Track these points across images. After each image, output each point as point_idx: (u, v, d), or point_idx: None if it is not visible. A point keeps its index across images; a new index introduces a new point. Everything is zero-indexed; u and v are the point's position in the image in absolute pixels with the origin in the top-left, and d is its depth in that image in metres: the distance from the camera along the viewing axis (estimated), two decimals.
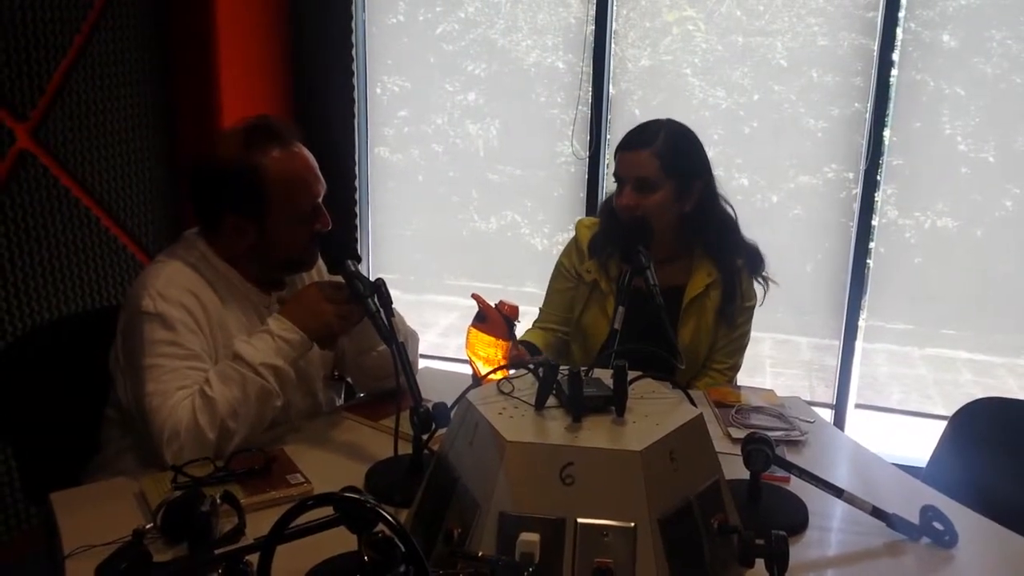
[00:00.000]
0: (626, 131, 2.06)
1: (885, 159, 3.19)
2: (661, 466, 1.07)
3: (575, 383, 1.13)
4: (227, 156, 1.62)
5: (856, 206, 3.26)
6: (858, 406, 3.38)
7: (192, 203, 1.68)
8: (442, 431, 1.38)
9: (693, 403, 1.24)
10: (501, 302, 1.61)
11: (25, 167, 2.52)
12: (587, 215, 3.43)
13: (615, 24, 3.41)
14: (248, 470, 1.45)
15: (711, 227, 2.06)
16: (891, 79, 3.13)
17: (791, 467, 1.34)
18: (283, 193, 1.61)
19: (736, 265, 2.07)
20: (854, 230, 3.26)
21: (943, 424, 1.86)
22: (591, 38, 3.43)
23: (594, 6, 3.39)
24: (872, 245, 3.26)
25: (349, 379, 1.95)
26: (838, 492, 1.32)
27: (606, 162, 3.49)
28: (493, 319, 1.55)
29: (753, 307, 2.13)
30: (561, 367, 1.17)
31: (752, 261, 2.10)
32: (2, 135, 2.44)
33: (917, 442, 3.36)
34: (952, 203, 3.20)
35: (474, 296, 1.64)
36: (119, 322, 1.63)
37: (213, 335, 1.61)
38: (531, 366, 1.26)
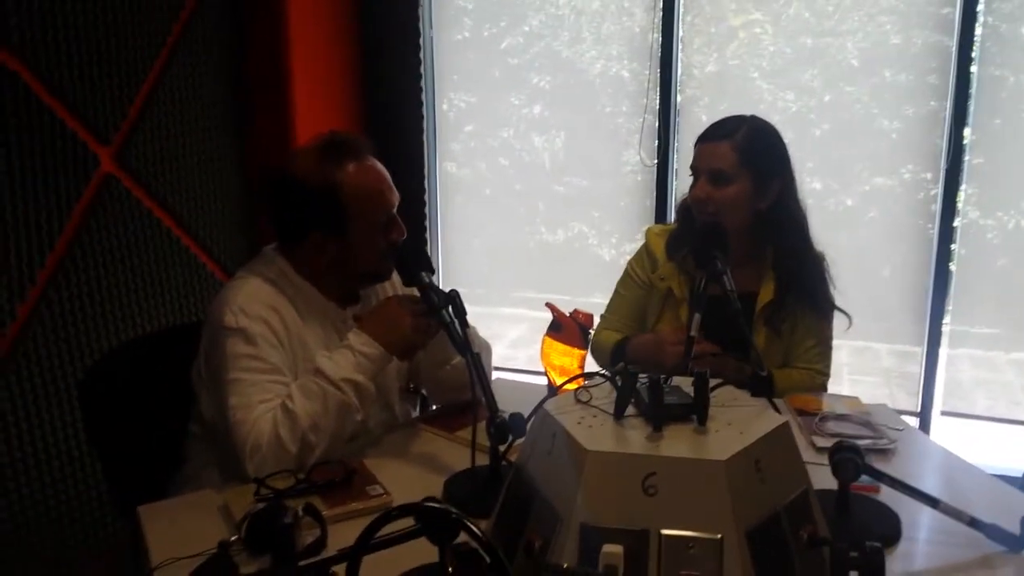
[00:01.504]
0: (694, 138, 2.04)
1: (966, 158, 3.09)
2: (747, 476, 1.05)
3: (655, 391, 1.11)
4: (304, 173, 1.65)
5: (936, 207, 3.16)
6: (943, 413, 3.25)
7: (271, 221, 1.72)
8: (519, 442, 1.38)
9: (777, 410, 1.20)
10: (576, 311, 1.60)
11: (109, 190, 2.60)
12: (656, 223, 3.41)
13: (680, 31, 3.38)
14: (329, 482, 1.46)
15: (784, 231, 2.00)
16: (970, 75, 3.02)
17: (882, 476, 1.29)
18: (360, 206, 1.65)
19: (798, 270, 2.01)
20: (935, 232, 3.16)
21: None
22: (656, 46, 3.40)
23: (659, 14, 3.37)
24: (954, 247, 3.15)
25: (424, 391, 1.97)
26: (933, 502, 1.26)
27: (675, 169, 3.45)
28: (568, 327, 1.54)
29: (830, 311, 2.06)
30: (640, 375, 1.16)
31: (815, 269, 2.04)
32: (88, 160, 2.53)
33: (1009, 449, 3.23)
34: None
35: (548, 305, 1.64)
36: (202, 338, 1.68)
37: (293, 350, 1.65)
38: (608, 375, 1.25)
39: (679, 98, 3.41)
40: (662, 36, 3.37)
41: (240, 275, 1.71)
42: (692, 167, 2.01)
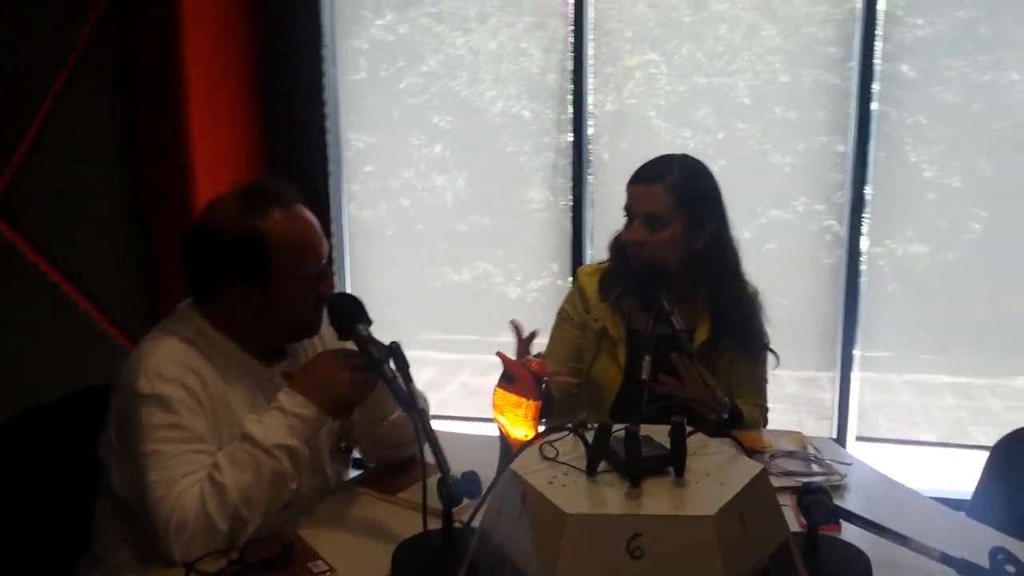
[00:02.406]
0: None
1: (854, 190, 3.23)
2: (733, 529, 1.01)
3: (632, 444, 1.06)
4: (225, 221, 1.52)
5: (830, 237, 3.29)
6: (858, 439, 3.36)
7: (188, 274, 1.58)
8: (471, 502, 1.30)
9: (747, 454, 1.18)
10: (527, 359, 1.54)
11: None
12: (578, 261, 3.42)
13: (576, 71, 3.41)
14: (265, 561, 1.34)
15: (718, 270, 2.01)
16: (870, 113, 3.18)
17: (851, 516, 1.28)
18: (287, 257, 1.53)
19: (734, 309, 2.02)
20: (837, 261, 3.29)
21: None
22: (557, 86, 3.43)
23: (566, 55, 3.40)
24: (863, 272, 3.27)
25: (357, 451, 1.84)
26: (903, 540, 1.26)
27: (590, 207, 3.46)
28: (521, 378, 1.48)
29: (765, 349, 2.07)
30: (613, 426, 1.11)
31: (749, 307, 2.06)
32: None
33: (933, 472, 3.34)
34: (922, 230, 3.24)
35: (499, 355, 1.57)
36: (111, 406, 1.52)
37: (216, 415, 1.51)
38: (573, 426, 1.19)
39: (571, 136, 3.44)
40: (573, 76, 3.39)
41: (153, 335, 1.56)
42: (626, 208, 1.98)
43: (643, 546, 0.98)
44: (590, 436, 1.13)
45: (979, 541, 1.33)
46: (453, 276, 3.69)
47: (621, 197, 2.02)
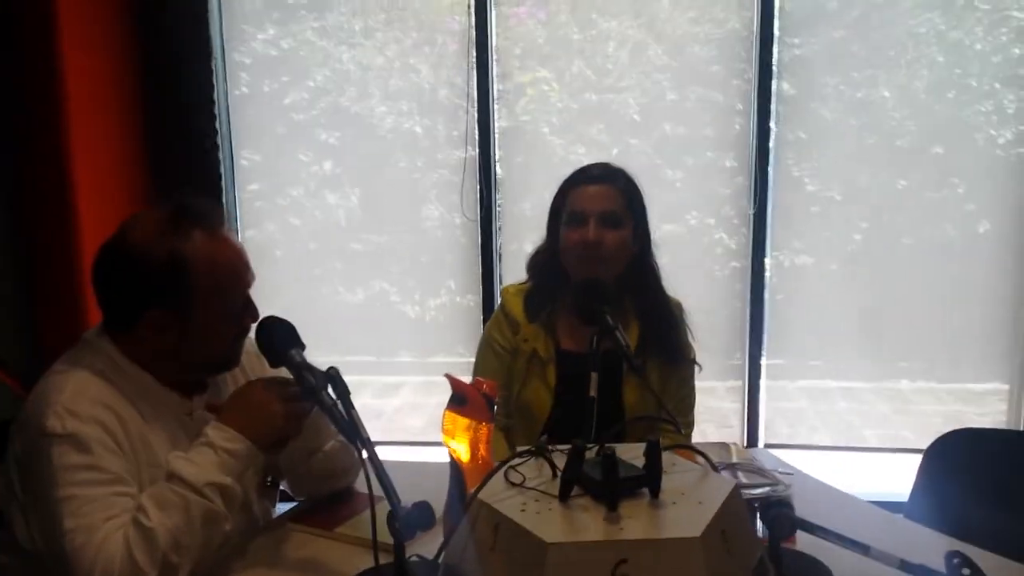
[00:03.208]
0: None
1: (769, 204, 3.32)
2: (717, 550, 0.97)
3: (609, 466, 1.00)
4: (144, 242, 1.38)
5: (719, 251, 3.37)
6: (766, 446, 3.43)
7: (100, 298, 1.43)
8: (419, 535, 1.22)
9: (715, 468, 1.14)
10: (478, 380, 1.46)
11: None
12: (488, 278, 3.37)
13: (469, 87, 3.38)
14: None
15: (646, 281, 1.99)
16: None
17: (815, 528, 1.25)
18: (211, 284, 1.39)
19: (662, 321, 2.02)
20: (722, 274, 3.36)
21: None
22: (449, 102, 3.39)
23: (449, 70, 3.37)
24: (767, 282, 3.36)
25: (283, 484, 1.70)
26: (865, 549, 1.24)
27: (497, 224, 3.42)
28: (473, 400, 1.40)
29: (693, 361, 2.08)
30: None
31: (677, 316, 2.06)
32: None
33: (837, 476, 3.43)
34: (807, 241, 3.36)
35: (448, 377, 1.48)
36: (10, 448, 1.35)
37: (135, 454, 1.36)
38: (539, 449, 1.13)
39: (473, 152, 3.40)
40: (479, 88, 3.34)
41: (60, 368, 1.39)
42: (576, 211, 1.91)
43: (629, 572, 0.93)
44: (556, 459, 1.07)
45: (925, 544, 1.34)
46: (348, 296, 3.57)
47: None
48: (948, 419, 2.21)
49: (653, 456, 1.03)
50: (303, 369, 1.41)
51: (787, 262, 3.38)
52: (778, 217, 3.34)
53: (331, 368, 1.41)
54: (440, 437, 1.45)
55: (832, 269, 3.37)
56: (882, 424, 3.50)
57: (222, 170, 3.33)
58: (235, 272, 1.44)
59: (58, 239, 2.81)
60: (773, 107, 3.25)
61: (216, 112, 3.29)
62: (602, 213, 1.89)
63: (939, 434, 1.89)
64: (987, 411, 3.44)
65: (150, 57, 3.22)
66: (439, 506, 1.35)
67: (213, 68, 3.27)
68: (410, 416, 3.56)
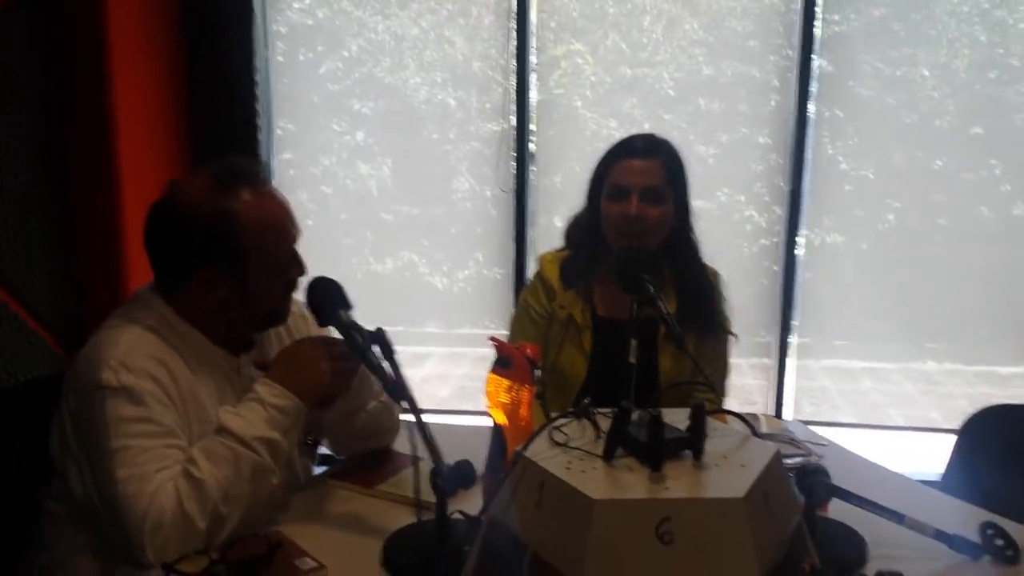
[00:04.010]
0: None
1: (792, 183, 3.30)
2: (761, 512, 0.99)
3: (655, 428, 1.02)
4: (193, 202, 1.42)
5: (748, 228, 3.36)
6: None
7: (152, 257, 1.48)
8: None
9: (756, 432, 1.16)
10: (522, 343, 1.49)
11: None
12: (521, 250, 3.37)
13: (506, 59, 3.37)
14: (251, 559, 1.22)
15: (686, 252, 2.01)
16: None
17: (850, 496, 1.27)
18: (259, 240, 1.43)
19: (700, 292, 2.03)
20: (750, 251, 3.35)
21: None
22: (483, 74, 3.39)
23: (484, 42, 3.36)
24: (799, 259, 3.33)
25: (325, 443, 1.75)
26: (899, 518, 1.26)
27: (530, 197, 3.41)
28: (518, 363, 1.43)
29: (728, 332, 2.08)
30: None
31: (714, 286, 2.07)
32: None
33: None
34: (838, 220, 3.34)
35: (493, 339, 1.51)
36: (66, 402, 1.40)
37: (185, 408, 1.41)
38: (583, 411, 1.16)
39: (506, 126, 3.40)
40: (517, 65, 3.33)
41: (113, 323, 1.44)
42: (619, 184, 1.92)
43: (672, 530, 0.95)
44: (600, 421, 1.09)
45: (959, 516, 1.36)
46: (377, 266, 3.61)
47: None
48: (974, 401, 2.20)
49: (698, 419, 1.05)
50: (351, 328, 1.44)
51: (817, 240, 3.36)
52: (810, 195, 3.32)
53: (378, 328, 1.44)
54: (466, 405, 1.48)
55: (863, 248, 3.34)
56: (908, 404, 3.50)
57: (261, 138, 3.36)
58: (282, 227, 1.48)
59: (100, 200, 2.85)
60: (812, 84, 3.22)
61: (256, 80, 3.31)
62: (645, 188, 1.90)
63: (966, 416, 1.89)
64: (1014, 394, 3.42)
65: (193, 23, 3.25)
66: (478, 466, 1.39)
67: (254, 36, 3.29)
68: (437, 386, 3.61)
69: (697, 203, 3.30)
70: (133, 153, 2.92)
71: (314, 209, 3.57)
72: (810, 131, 3.24)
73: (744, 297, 3.38)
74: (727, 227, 3.38)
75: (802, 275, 3.37)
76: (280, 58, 3.49)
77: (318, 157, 3.55)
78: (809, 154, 3.27)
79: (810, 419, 3.47)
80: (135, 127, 2.96)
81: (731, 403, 3.42)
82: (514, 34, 3.33)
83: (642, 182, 1.90)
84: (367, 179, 3.55)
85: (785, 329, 3.38)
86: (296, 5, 3.47)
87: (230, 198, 1.42)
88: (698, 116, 3.34)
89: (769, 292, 3.39)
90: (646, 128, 3.36)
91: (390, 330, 1.46)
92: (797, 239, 3.32)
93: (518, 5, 3.31)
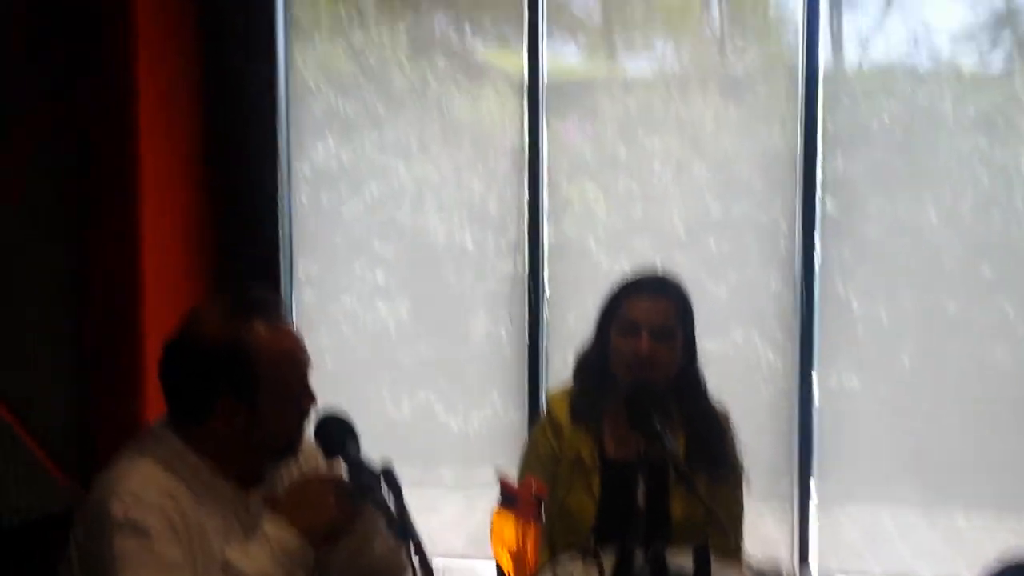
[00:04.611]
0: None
1: (787, 323, 3.32)
2: None
3: (659, 570, 1.01)
4: (209, 333, 1.48)
5: (765, 369, 3.35)
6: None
7: (167, 390, 1.52)
8: None
9: None
10: (528, 480, 1.49)
11: None
12: (535, 392, 3.38)
13: (521, 200, 3.47)
14: None
15: (694, 391, 2.02)
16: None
17: None
18: (272, 370, 1.47)
19: (710, 431, 2.02)
20: (768, 393, 3.34)
21: None
22: (499, 216, 3.49)
23: (500, 185, 3.48)
24: (816, 402, 3.31)
25: None
26: None
27: (544, 337, 3.45)
28: (524, 500, 1.42)
29: (741, 473, 2.07)
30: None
31: (724, 426, 2.07)
32: None
33: None
34: (854, 362, 3.33)
35: (498, 476, 1.50)
36: (75, 533, 1.43)
37: (191, 542, 1.42)
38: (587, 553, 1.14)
39: (522, 267, 3.48)
40: (529, 206, 3.43)
41: (127, 456, 1.47)
42: (629, 322, 1.96)
43: None
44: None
45: None
46: (393, 407, 3.62)
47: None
48: (1003, 554, 2.12)
49: (702, 561, 1.04)
50: (358, 465, 1.46)
51: (834, 383, 3.35)
52: (825, 337, 3.32)
53: (386, 465, 1.46)
54: (482, 553, 1.46)
55: (881, 391, 3.32)
56: (934, 556, 3.38)
57: (282, 277, 3.47)
58: (294, 357, 1.53)
59: (119, 332, 2.93)
60: (817, 226, 3.28)
61: (279, 221, 3.46)
62: (656, 326, 1.93)
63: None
64: None
65: (220, 161, 3.41)
66: None
67: (279, 178, 3.45)
68: (452, 532, 3.55)
69: (711, 343, 3.39)
70: (156, 287, 3.02)
71: (333, 349, 3.62)
72: (817, 272, 3.28)
73: (763, 440, 3.35)
74: (743, 368, 3.38)
75: (820, 418, 3.34)
76: (304, 200, 3.62)
77: (339, 297, 3.62)
78: (817, 295, 3.30)
79: (834, 569, 3.37)
80: (160, 260, 3.07)
81: (750, 548, 3.35)
82: (525, 176, 3.44)
83: (653, 320, 1.94)
84: (385, 319, 3.61)
85: (805, 474, 3.32)
86: (321, 148, 3.62)
87: (244, 329, 1.47)
88: (708, 256, 3.40)
89: (787, 435, 3.36)
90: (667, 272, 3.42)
91: (404, 473, 1.47)
92: (811, 381, 3.31)
93: (531, 149, 3.43)
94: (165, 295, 3.03)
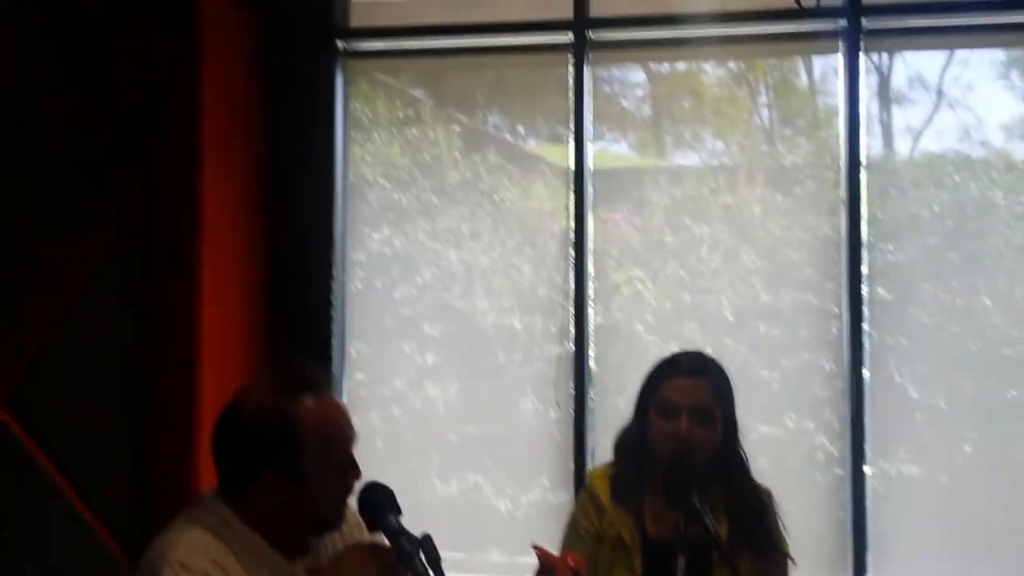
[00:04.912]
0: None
1: (841, 409, 3.26)
2: None
3: None
4: (258, 406, 1.53)
5: (820, 456, 3.28)
6: None
7: (217, 460, 1.57)
8: None
9: None
10: (565, 554, 1.48)
11: None
12: (580, 475, 3.33)
13: (568, 284, 3.52)
14: None
15: (736, 471, 2.01)
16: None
17: None
18: (319, 444, 1.51)
19: (752, 510, 1.99)
20: (824, 481, 3.25)
21: None
22: (548, 299, 3.53)
23: (549, 270, 3.54)
24: (872, 492, 3.22)
25: None
26: None
27: (591, 420, 3.44)
28: (563, 572, 1.41)
29: (786, 554, 2.02)
30: None
31: (767, 506, 2.03)
32: None
33: None
34: (913, 451, 3.25)
35: (536, 548, 1.50)
36: None
37: None
38: None
39: (571, 348, 3.50)
40: (575, 291, 3.49)
41: (178, 524, 1.52)
42: (668, 402, 1.97)
43: None
44: None
45: None
46: (442, 488, 3.61)
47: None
48: None
49: None
50: (399, 534, 1.48)
51: (893, 471, 3.25)
52: (881, 424, 3.25)
53: (425, 535, 1.48)
54: None
55: (942, 481, 3.22)
56: None
57: (334, 357, 3.55)
58: (341, 431, 1.56)
59: (177, 408, 3.00)
60: (866, 312, 3.25)
61: (333, 305, 3.57)
62: (694, 407, 1.94)
63: None
64: None
65: (279, 242, 3.56)
66: None
67: (334, 265, 3.58)
68: None
69: (764, 429, 3.35)
70: (213, 363, 3.10)
71: (383, 430, 3.64)
72: (866, 357, 3.24)
73: (818, 529, 3.25)
74: (798, 456, 3.31)
75: (878, 506, 3.24)
76: (359, 284, 3.71)
77: (389, 378, 3.67)
78: (869, 380, 3.25)
79: None
80: (217, 337, 3.17)
81: None
82: (572, 262, 3.50)
83: (692, 401, 1.94)
84: (435, 400, 3.64)
85: (860, 565, 3.20)
86: (376, 236, 3.74)
87: (291, 403, 1.51)
88: (758, 341, 3.38)
89: (843, 524, 3.25)
90: (707, 352, 3.41)
91: (451, 556, 1.48)
92: (864, 469, 3.22)
93: (576, 236, 3.50)
94: (221, 371, 3.11)
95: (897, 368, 3.27)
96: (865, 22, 3.31)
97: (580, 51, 3.52)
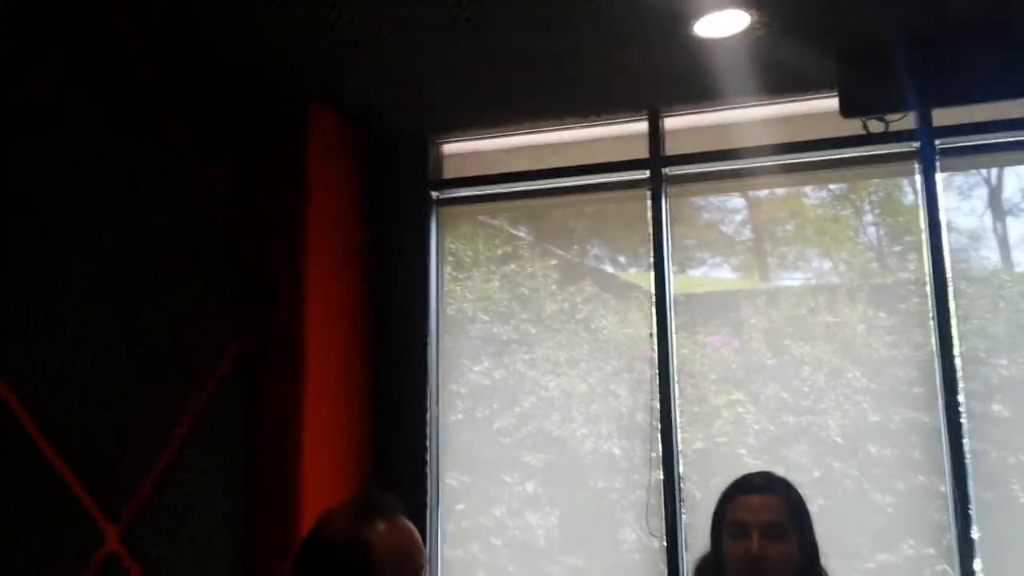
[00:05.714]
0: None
1: (960, 533, 3.06)
2: None
3: None
4: (335, 532, 1.61)
5: None
6: None
7: None
8: None
9: None
10: None
11: (109, 571, 2.49)
12: None
13: (662, 411, 3.51)
14: None
15: None
16: (963, 451, 3.13)
17: None
18: (390, 567, 1.57)
19: None
20: None
21: None
22: (646, 424, 3.52)
23: (646, 395, 3.54)
24: None
25: None
26: None
27: (684, 545, 3.37)
28: None
29: None
30: None
31: None
32: (93, 535, 2.45)
33: None
34: None
35: None
36: None
37: None
38: None
39: (659, 474, 3.44)
40: (661, 416, 3.49)
41: None
42: (739, 522, 1.93)
43: None
44: None
45: None
46: None
47: None
48: None
49: None
50: None
51: None
52: (1008, 548, 3.03)
53: None
54: None
55: None
56: None
57: (428, 488, 3.61)
58: (411, 556, 1.61)
59: (277, 528, 3.14)
60: (964, 428, 3.11)
61: (427, 432, 3.67)
62: (765, 525, 1.88)
63: None
64: None
65: (378, 382, 3.74)
66: None
67: (428, 397, 3.71)
68: None
69: (880, 556, 3.17)
70: (313, 495, 3.21)
71: (484, 560, 3.63)
72: (992, 478, 3.06)
73: None
74: None
75: None
76: (460, 416, 3.80)
77: (489, 508, 3.68)
78: (972, 498, 3.07)
79: None
80: (318, 472, 3.29)
81: None
82: (675, 385, 3.50)
83: (763, 518, 1.89)
84: (535, 529, 3.61)
85: None
86: (476, 368, 3.85)
87: (366, 527, 1.58)
88: (870, 463, 3.25)
89: None
90: (815, 476, 3.30)
91: None
92: None
93: (660, 360, 3.52)
94: (319, 501, 3.22)
95: (1021, 487, 3.06)
96: (939, 142, 3.34)
97: (657, 185, 3.66)
